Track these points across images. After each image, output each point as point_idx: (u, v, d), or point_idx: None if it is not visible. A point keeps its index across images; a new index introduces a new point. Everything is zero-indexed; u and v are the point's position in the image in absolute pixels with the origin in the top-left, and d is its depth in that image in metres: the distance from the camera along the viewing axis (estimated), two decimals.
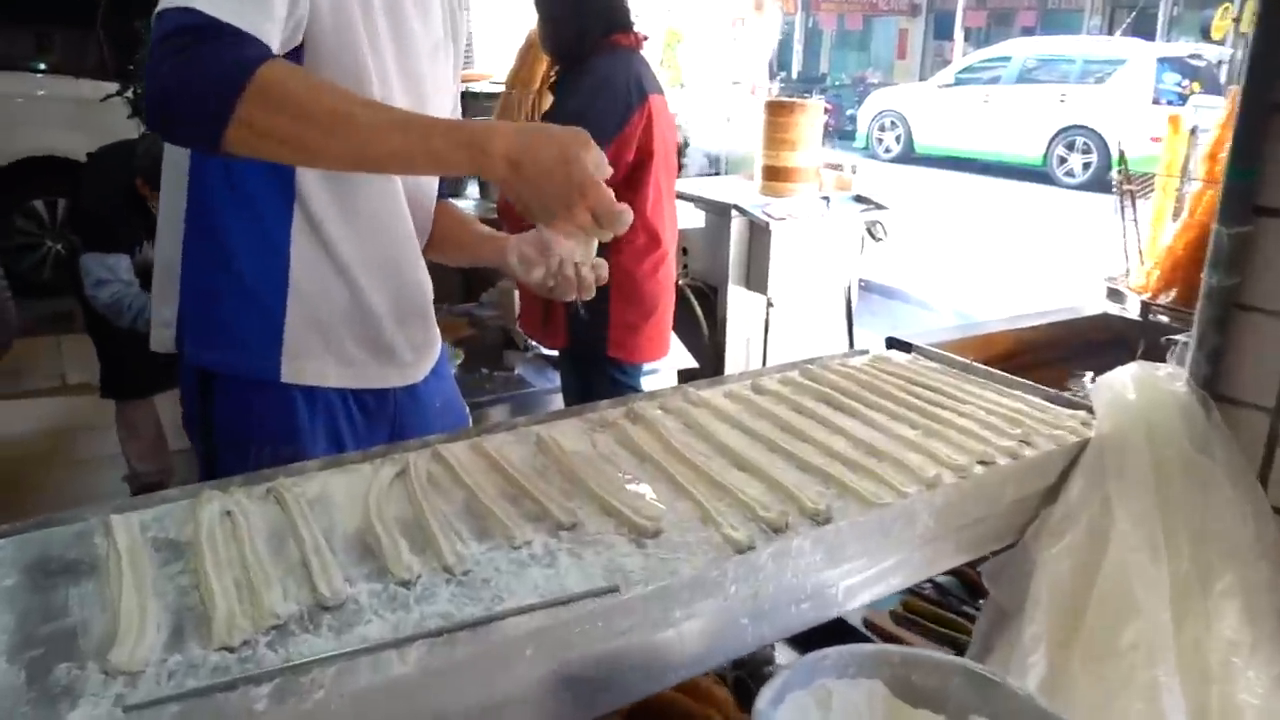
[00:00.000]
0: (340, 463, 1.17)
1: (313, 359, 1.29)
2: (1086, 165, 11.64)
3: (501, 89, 3.57)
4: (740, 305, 3.75)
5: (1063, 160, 11.88)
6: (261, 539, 0.99)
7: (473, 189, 3.49)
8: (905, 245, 5.33)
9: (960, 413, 1.39)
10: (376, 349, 1.36)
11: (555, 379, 2.88)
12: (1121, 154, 2.13)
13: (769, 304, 3.72)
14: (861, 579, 1.03)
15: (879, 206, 3.84)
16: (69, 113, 5.69)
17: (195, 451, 1.33)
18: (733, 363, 3.85)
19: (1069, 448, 1.24)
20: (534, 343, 3.08)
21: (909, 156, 13.60)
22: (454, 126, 1.07)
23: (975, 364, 1.61)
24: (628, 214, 1.06)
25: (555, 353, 2.80)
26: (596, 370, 2.37)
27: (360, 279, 1.30)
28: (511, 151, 1.00)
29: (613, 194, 1.04)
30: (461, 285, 3.71)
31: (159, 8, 1.02)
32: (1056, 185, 11.67)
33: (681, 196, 3.27)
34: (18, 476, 3.32)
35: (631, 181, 2.30)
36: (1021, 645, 1.07)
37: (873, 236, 3.92)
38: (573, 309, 2.37)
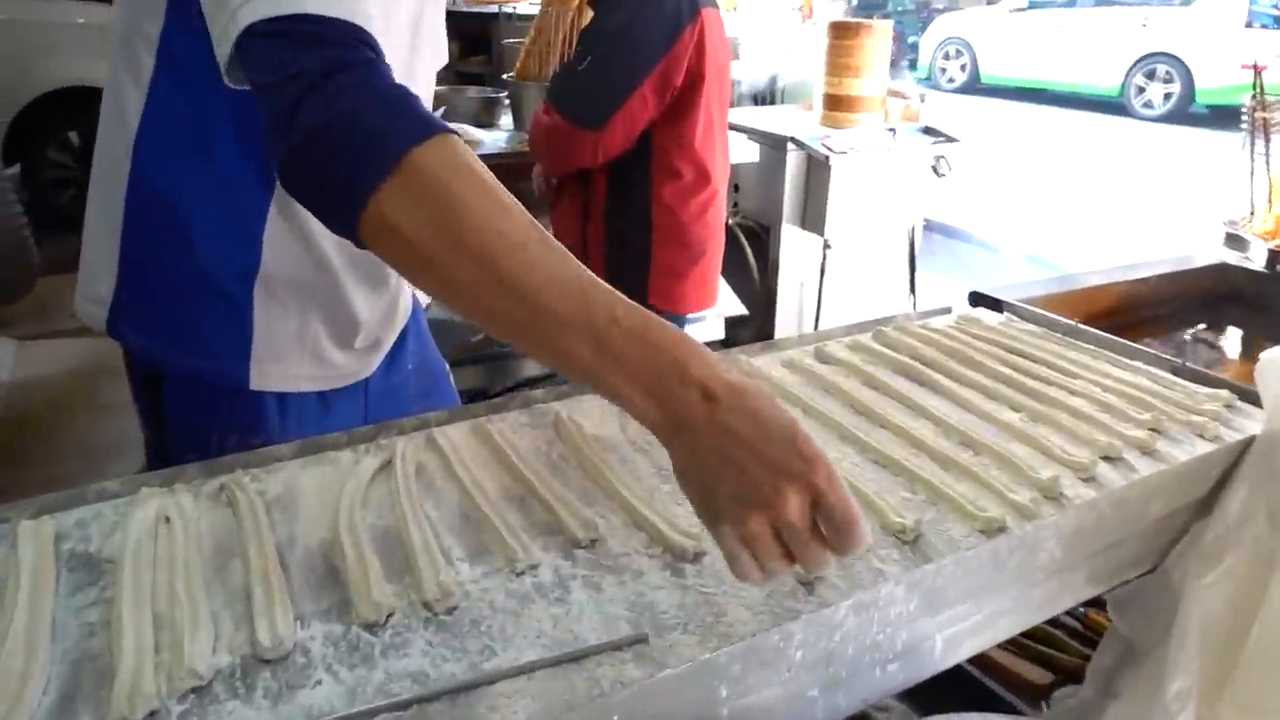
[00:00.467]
0: (318, 448, 0.97)
1: (286, 363, 1.07)
2: (1167, 96, 10.91)
3: (538, 8, 3.28)
4: (795, 247, 3.47)
5: (1141, 90, 11.15)
6: (201, 556, 0.79)
7: (506, 118, 3.21)
8: (969, 181, 4.97)
9: (1071, 390, 1.14)
10: (356, 350, 1.14)
11: None
12: (1257, 74, 1.80)
13: (826, 246, 3.43)
14: (967, 626, 0.80)
15: (950, 139, 3.50)
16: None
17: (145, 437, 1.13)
18: (785, 309, 3.59)
19: (1230, 448, 0.98)
20: None
21: (974, 87, 12.93)
22: (646, 322, 0.70)
23: (1083, 327, 1.35)
24: (865, 534, 0.65)
25: None
26: None
27: (342, 278, 1.08)
28: (714, 380, 0.66)
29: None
30: None
31: None
32: (1133, 117, 10.98)
33: (733, 128, 2.98)
34: (40, 421, 3.21)
35: (679, 108, 2.03)
36: (1162, 699, 0.84)
37: (935, 173, 3.60)
38: (611, 254, 2.13)
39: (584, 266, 0.71)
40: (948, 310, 1.46)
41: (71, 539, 0.81)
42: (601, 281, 0.70)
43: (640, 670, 0.67)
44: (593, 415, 1.05)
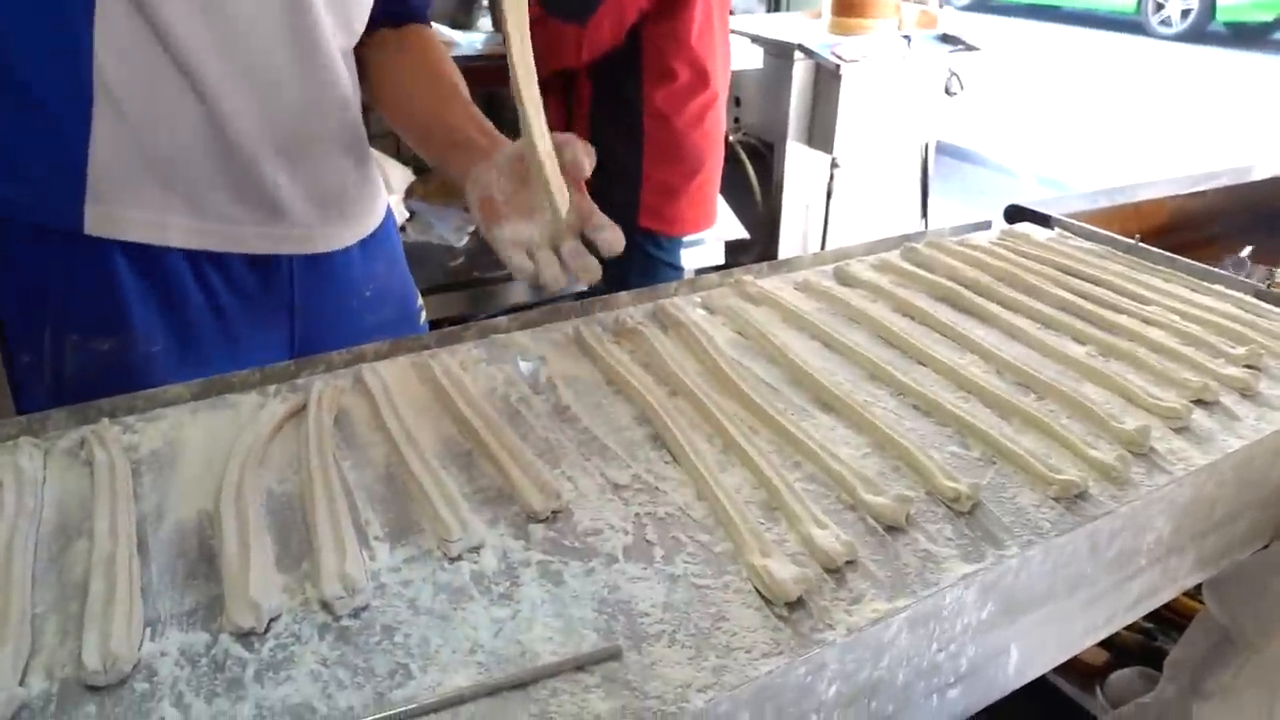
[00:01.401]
0: (222, 387, 0.77)
1: (140, 205, 0.82)
2: (1185, 13, 10.46)
3: None
4: (800, 165, 3.22)
5: (1159, 7, 10.70)
6: (36, 537, 0.59)
7: (485, 20, 2.93)
8: (982, 101, 4.68)
9: (1146, 319, 0.94)
10: (250, 198, 0.87)
11: None
12: None
13: (834, 164, 3.18)
14: (1052, 634, 0.61)
15: (969, 48, 3.22)
16: None
17: None
18: (789, 233, 3.36)
19: None
20: None
21: (985, 4, 12.43)
22: None
23: (1147, 246, 1.14)
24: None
25: None
26: (628, 245, 1.91)
27: (214, 87, 0.81)
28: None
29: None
30: None
31: None
32: (1150, 36, 10.55)
33: (735, 34, 2.72)
34: None
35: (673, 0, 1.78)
36: (1275, 708, 0.67)
37: (947, 92, 3.33)
38: (597, 170, 1.89)
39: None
40: (986, 225, 1.25)
41: None
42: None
43: (609, 702, 0.48)
44: (566, 350, 0.85)
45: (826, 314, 0.93)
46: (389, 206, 1.07)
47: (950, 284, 0.99)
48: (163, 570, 0.57)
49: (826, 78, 3.05)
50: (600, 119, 1.85)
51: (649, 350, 0.84)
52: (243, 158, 0.85)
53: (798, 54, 3.02)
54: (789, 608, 0.55)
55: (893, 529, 0.62)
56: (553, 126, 2.00)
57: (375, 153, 2.29)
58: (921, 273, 1.02)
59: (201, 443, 0.70)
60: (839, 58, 2.98)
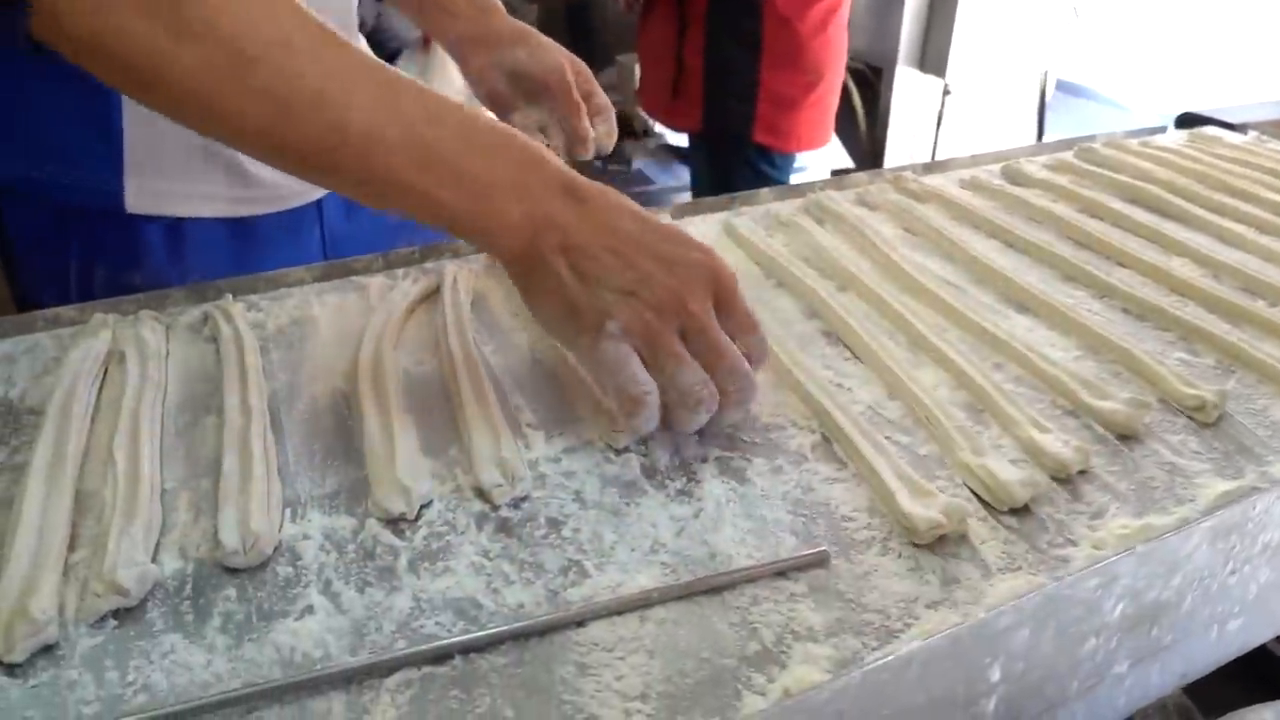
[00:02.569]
0: (341, 271, 0.71)
1: (182, 177, 0.75)
2: None
3: None
4: (910, 91, 3.03)
5: None
6: (162, 410, 0.54)
7: None
8: (1099, 30, 4.36)
9: None
10: (241, 180, 0.78)
11: (684, 174, 2.34)
12: None
13: (946, 91, 2.99)
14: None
15: None
16: None
17: None
18: (894, 164, 3.20)
19: None
20: (659, 127, 2.52)
21: None
22: (473, 119, 0.51)
23: None
24: (762, 342, 0.53)
25: (685, 140, 2.24)
26: (738, 160, 1.81)
27: None
28: (578, 180, 0.52)
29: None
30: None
31: None
32: None
33: None
34: None
35: None
36: None
37: (1075, 12, 3.10)
38: (711, 78, 1.77)
39: (382, 63, 0.51)
40: (1162, 129, 1.12)
41: None
42: (407, 77, 0.51)
43: (820, 614, 0.41)
44: (716, 244, 0.77)
45: (1002, 213, 0.82)
46: None
47: (1143, 184, 0.87)
48: (298, 450, 0.51)
49: None
50: (717, 24, 1.73)
51: (807, 242, 0.75)
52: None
53: None
54: (1017, 518, 0.46)
55: (1126, 438, 0.53)
56: (662, 38, 1.88)
57: (438, 50, 2.20)
58: (1106, 173, 0.90)
59: (331, 321, 0.64)
60: None
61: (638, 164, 2.51)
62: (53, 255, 0.76)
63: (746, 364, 0.50)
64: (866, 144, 3.11)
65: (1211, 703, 0.67)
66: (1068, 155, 0.97)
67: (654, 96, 1.92)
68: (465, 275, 0.68)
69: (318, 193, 0.84)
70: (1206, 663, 0.47)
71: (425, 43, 2.04)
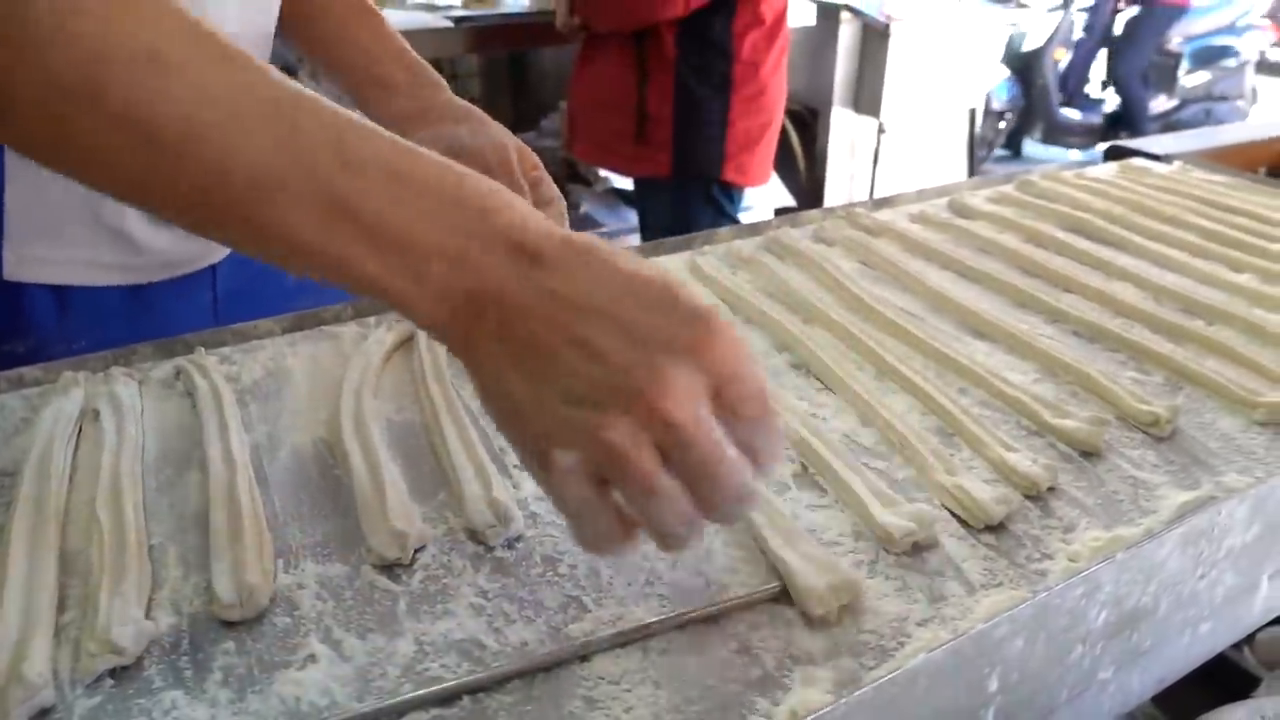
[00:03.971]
0: (310, 322, 0.71)
1: (64, 244, 0.71)
2: None
3: None
4: (845, 132, 3.14)
5: None
6: (142, 467, 0.54)
7: None
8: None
9: None
10: (130, 248, 0.74)
11: (631, 217, 2.37)
12: None
13: (880, 130, 3.10)
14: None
15: (1021, 4, 3.13)
16: None
17: None
18: (834, 201, 3.28)
19: None
20: (605, 174, 2.56)
21: None
22: (402, 154, 0.39)
23: None
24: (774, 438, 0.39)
25: (629, 186, 2.27)
26: (701, 199, 1.84)
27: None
28: (534, 233, 0.38)
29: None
30: (512, 109, 3.15)
31: None
32: None
33: None
34: None
35: None
36: None
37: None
38: (681, 122, 1.77)
39: (284, 79, 0.38)
40: (1090, 162, 1.18)
41: None
42: (322, 101, 0.38)
43: (818, 639, 0.42)
44: (679, 274, 0.78)
45: (952, 244, 0.86)
46: None
47: (1081, 214, 0.91)
48: (285, 500, 0.51)
49: (874, 39, 2.97)
50: (687, 70, 1.75)
51: (770, 278, 0.78)
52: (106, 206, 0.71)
53: (845, 15, 2.94)
54: (995, 535, 0.48)
55: (1088, 454, 0.55)
56: (619, 83, 1.89)
57: None
58: (1045, 204, 0.95)
59: (306, 372, 0.64)
60: (887, 16, 2.89)
61: (586, 208, 2.55)
62: None
63: (744, 477, 0.37)
64: (807, 182, 3.19)
65: (1179, 711, 0.70)
66: (1008, 188, 1.02)
67: (604, 146, 1.94)
68: None
69: (213, 258, 0.80)
70: (1181, 666, 0.50)
71: None
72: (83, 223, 0.70)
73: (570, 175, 2.67)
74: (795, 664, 0.41)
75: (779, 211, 2.90)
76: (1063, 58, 4.42)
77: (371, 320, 0.71)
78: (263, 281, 0.83)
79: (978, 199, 0.98)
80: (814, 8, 2.95)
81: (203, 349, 0.65)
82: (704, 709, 0.39)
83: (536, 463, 0.38)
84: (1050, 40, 4.17)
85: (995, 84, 3.70)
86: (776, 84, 1.80)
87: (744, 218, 2.27)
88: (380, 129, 0.39)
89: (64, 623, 0.43)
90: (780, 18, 1.76)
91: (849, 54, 3.02)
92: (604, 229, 2.44)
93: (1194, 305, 0.74)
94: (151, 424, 0.58)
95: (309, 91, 0.38)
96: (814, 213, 0.96)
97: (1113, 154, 1.25)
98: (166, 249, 0.75)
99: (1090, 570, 0.40)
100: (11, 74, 0.35)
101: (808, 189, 3.20)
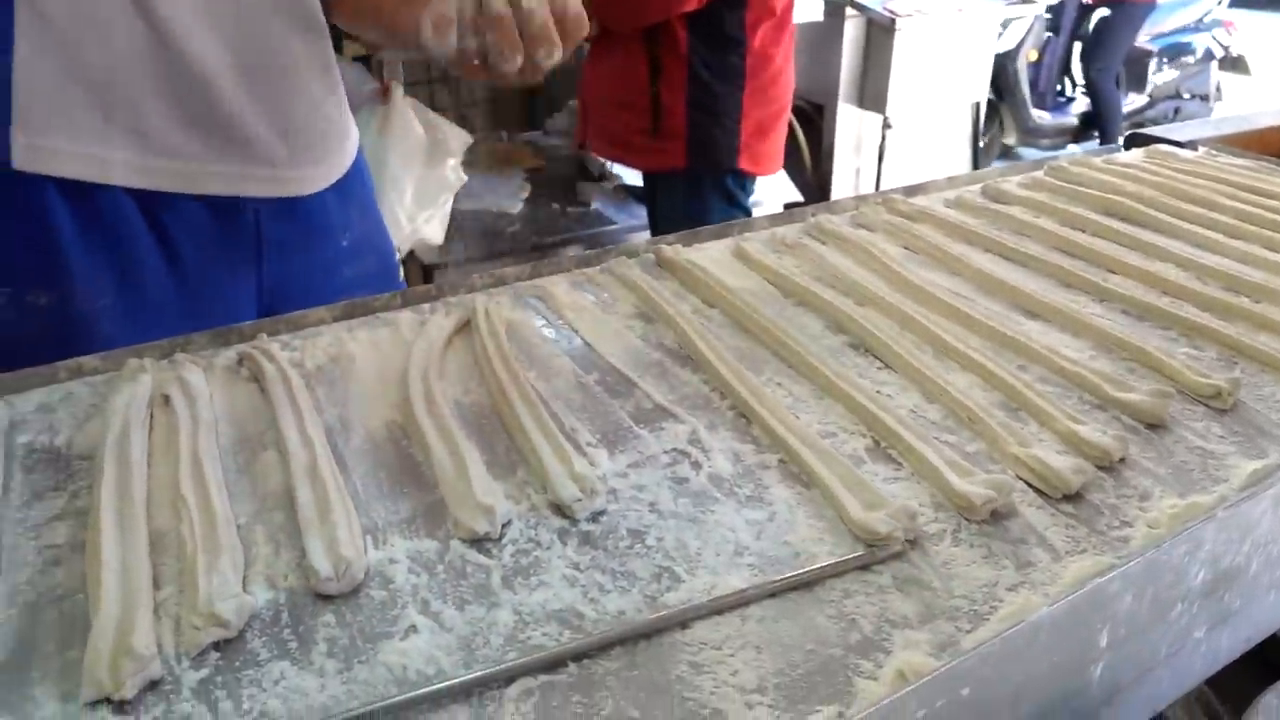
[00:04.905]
0: (364, 309, 0.72)
1: (75, 135, 0.68)
2: None
3: None
4: (851, 128, 3.15)
5: None
6: (218, 449, 0.54)
7: None
8: None
9: None
10: (204, 128, 0.73)
11: (641, 214, 2.37)
12: None
13: (886, 125, 3.11)
14: None
15: (1026, 0, 3.14)
16: None
17: None
18: (840, 197, 3.29)
19: None
20: (615, 168, 2.56)
21: None
22: None
23: None
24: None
25: (639, 183, 2.27)
26: (713, 191, 1.84)
27: (176, 27, 0.69)
28: None
29: None
30: (521, 107, 3.16)
31: None
32: None
33: None
34: None
35: None
36: None
37: None
38: (695, 113, 1.78)
39: None
40: (1115, 148, 1.19)
41: (31, 428, 0.56)
42: None
43: (911, 603, 0.42)
44: (729, 267, 0.79)
45: (992, 228, 0.86)
46: (359, 148, 0.91)
47: (1114, 198, 0.92)
48: (364, 479, 0.52)
49: (880, 35, 2.97)
50: (700, 62, 1.76)
51: (818, 262, 0.78)
52: (192, 77, 0.71)
53: (849, 11, 2.94)
54: (1073, 504, 0.49)
55: (1154, 427, 0.56)
56: (631, 79, 1.89)
57: (434, 116, 2.21)
58: (1079, 189, 0.96)
59: (369, 357, 0.64)
60: (893, 12, 2.90)
61: (596, 204, 2.55)
62: None
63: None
64: (813, 178, 3.20)
65: (1225, 692, 0.70)
66: (1039, 174, 1.02)
67: (618, 142, 1.95)
68: (494, 307, 0.69)
69: (228, 174, 0.76)
70: (1266, 626, 0.50)
71: (384, 93, 2.05)
72: (93, 115, 0.69)
73: (580, 173, 2.67)
74: (893, 628, 0.41)
75: (786, 207, 2.91)
76: (1032, 59, 4.43)
77: (425, 307, 0.72)
78: (312, 276, 0.84)
79: (1010, 184, 0.99)
80: (820, 3, 2.96)
81: (265, 335, 0.65)
82: (808, 671, 0.39)
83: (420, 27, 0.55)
84: (1022, 42, 4.18)
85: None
86: (787, 72, 1.82)
87: (759, 212, 2.28)
88: None
89: (161, 599, 0.43)
90: (789, 7, 1.77)
91: (854, 50, 3.03)
92: (613, 225, 2.44)
93: (1238, 283, 0.75)
94: (221, 408, 0.58)
95: None
96: (844, 201, 0.96)
97: (1133, 142, 1.26)
98: (180, 150, 0.73)
99: (1194, 527, 0.41)
100: None
101: (814, 184, 3.20)
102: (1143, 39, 4.63)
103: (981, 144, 4.31)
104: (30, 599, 0.43)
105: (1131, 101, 4.66)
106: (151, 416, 0.57)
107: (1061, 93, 4.76)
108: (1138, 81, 4.69)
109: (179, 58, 0.70)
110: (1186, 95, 4.74)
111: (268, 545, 0.47)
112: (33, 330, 0.71)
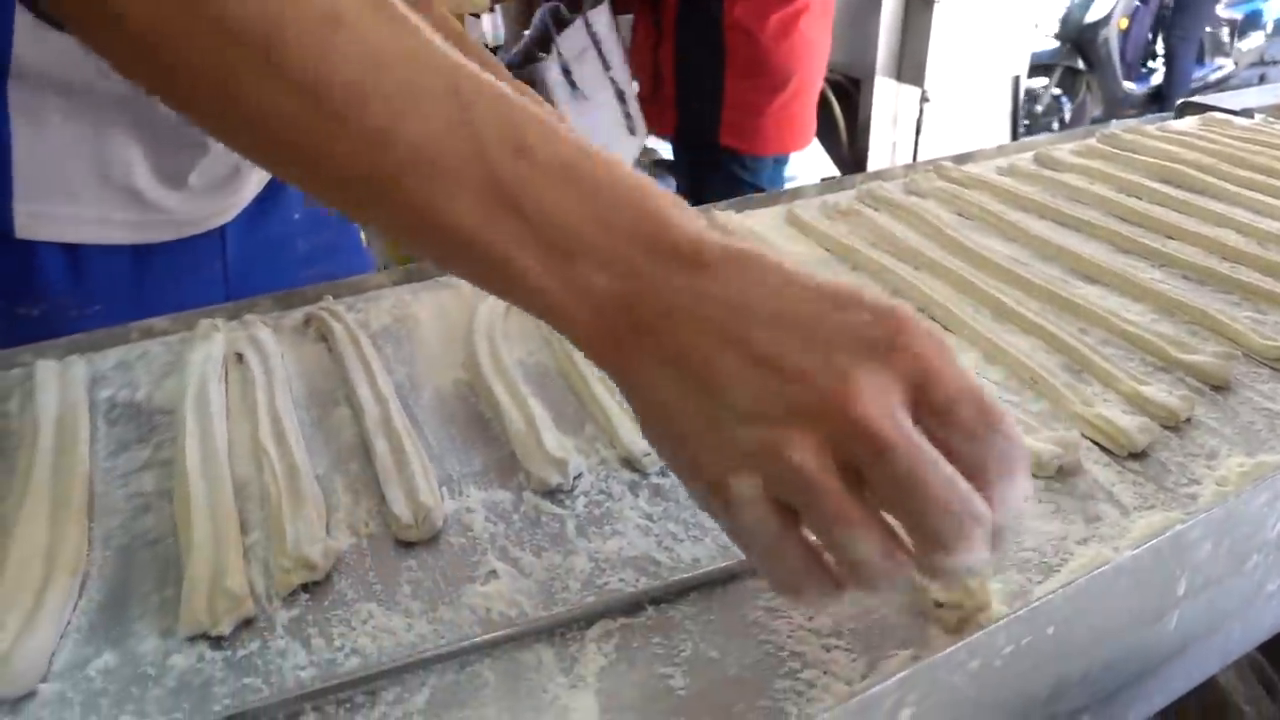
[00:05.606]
0: (416, 276, 0.73)
1: (73, 201, 0.69)
2: None
3: None
4: (888, 102, 3.11)
5: None
6: (292, 404, 0.56)
7: None
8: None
9: None
10: (194, 188, 0.74)
11: (670, 183, 2.37)
12: None
13: (924, 99, 3.07)
14: None
15: None
16: None
17: None
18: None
19: None
20: (651, 141, 2.56)
21: None
22: (583, 154, 0.34)
23: None
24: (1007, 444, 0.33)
25: (668, 144, 2.26)
26: (710, 163, 1.84)
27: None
28: (700, 239, 0.34)
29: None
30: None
31: None
32: None
33: None
34: None
35: None
36: None
37: None
38: (682, 84, 1.82)
39: (455, 51, 0.35)
40: (1167, 115, 1.17)
41: (111, 384, 0.58)
42: (495, 82, 0.35)
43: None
44: (783, 232, 0.79)
45: (1046, 195, 0.86)
46: None
47: (1172, 165, 0.91)
48: (436, 435, 0.53)
49: (918, 8, 2.93)
50: (684, 33, 1.79)
51: (872, 228, 0.78)
52: (178, 134, 0.70)
53: None
54: (1139, 462, 0.49)
55: (1218, 388, 0.56)
56: (645, 45, 1.96)
57: None
58: (1134, 156, 0.94)
59: (434, 319, 0.66)
60: None
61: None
62: None
63: (967, 491, 0.31)
64: (849, 153, 3.17)
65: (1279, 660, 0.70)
66: (1093, 141, 1.01)
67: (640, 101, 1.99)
68: None
69: (217, 220, 0.78)
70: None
71: None
72: (91, 181, 0.69)
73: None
74: (967, 576, 0.42)
75: (824, 182, 2.89)
76: (1123, 27, 4.34)
77: None
78: (272, 251, 0.84)
79: (1063, 152, 0.98)
80: None
81: (331, 297, 0.67)
82: (882, 616, 0.40)
83: (712, 495, 0.33)
84: (1112, 10, 4.10)
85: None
86: (786, 50, 1.77)
87: (788, 186, 2.27)
88: (551, 118, 0.35)
89: (249, 544, 0.45)
90: None
91: (893, 23, 2.99)
92: None
93: None
94: (293, 366, 0.60)
95: (476, 68, 0.35)
96: (894, 169, 0.96)
97: (1185, 110, 1.24)
98: (175, 209, 0.74)
99: (1273, 477, 0.41)
100: (186, 26, 0.33)
101: (850, 159, 3.18)
102: (1221, 6, 4.54)
103: (1067, 116, 4.26)
104: (123, 542, 0.45)
105: (1220, 68, 4.57)
106: (226, 373, 0.58)
107: (1144, 63, 4.68)
108: (1220, 49, 4.60)
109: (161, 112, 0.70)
110: (1272, 61, 4.66)
111: (347, 494, 0.48)
112: (21, 328, 0.72)
